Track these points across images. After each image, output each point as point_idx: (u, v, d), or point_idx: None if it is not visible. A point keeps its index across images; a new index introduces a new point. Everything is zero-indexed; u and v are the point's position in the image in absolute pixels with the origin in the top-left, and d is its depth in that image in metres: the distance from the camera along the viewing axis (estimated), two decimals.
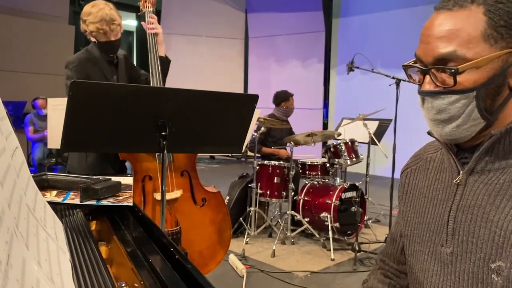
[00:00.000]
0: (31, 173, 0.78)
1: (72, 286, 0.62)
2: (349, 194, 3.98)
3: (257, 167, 4.03)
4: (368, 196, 4.57)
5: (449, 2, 0.76)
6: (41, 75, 7.35)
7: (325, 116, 9.62)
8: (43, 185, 1.14)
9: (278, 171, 4.06)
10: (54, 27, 7.68)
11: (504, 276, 0.73)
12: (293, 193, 4.01)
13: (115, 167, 2.32)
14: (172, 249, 0.79)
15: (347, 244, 3.89)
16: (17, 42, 7.19)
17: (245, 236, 3.84)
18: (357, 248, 3.42)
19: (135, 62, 10.50)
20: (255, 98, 1.85)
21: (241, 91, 9.96)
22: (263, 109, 4.20)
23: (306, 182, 4.23)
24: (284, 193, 4.03)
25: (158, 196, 2.08)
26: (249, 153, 4.76)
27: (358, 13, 8.96)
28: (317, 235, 3.96)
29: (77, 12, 8.60)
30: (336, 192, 3.91)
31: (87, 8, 2.26)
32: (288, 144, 4.11)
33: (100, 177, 1.18)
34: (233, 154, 9.94)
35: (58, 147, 1.68)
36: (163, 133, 1.71)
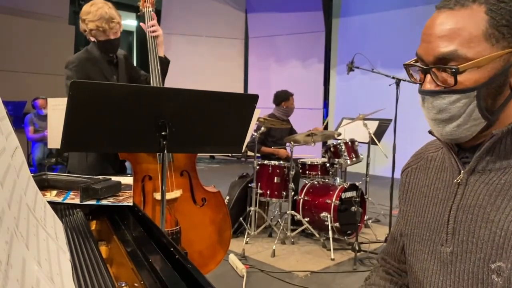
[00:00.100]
0: (31, 173, 0.78)
1: (72, 286, 0.62)
2: (349, 194, 3.98)
3: (257, 167, 4.03)
4: (368, 196, 4.57)
5: (450, 1, 0.76)
6: (41, 75, 7.35)
7: (325, 116, 9.62)
8: (43, 185, 1.14)
9: (278, 171, 4.06)
10: (54, 27, 7.68)
11: (505, 277, 0.73)
12: (293, 193, 4.01)
13: (115, 167, 2.32)
14: (172, 249, 0.79)
15: (347, 244, 3.89)
16: (17, 42, 7.19)
17: (245, 236, 3.84)
18: (357, 248, 3.42)
19: (135, 62, 10.50)
20: (255, 98, 1.85)
21: (241, 91, 9.96)
22: (263, 109, 4.20)
23: (306, 182, 4.23)
24: (284, 193, 4.03)
25: (158, 196, 2.08)
26: (249, 153, 4.76)
27: (358, 13, 8.96)
28: (317, 235, 3.96)
29: (77, 12, 8.60)
30: (336, 192, 3.91)
31: (86, 7, 2.27)
32: (288, 144, 4.12)
33: (100, 177, 1.18)
34: (233, 154, 9.94)
35: (58, 147, 1.68)
36: (163, 133, 1.72)
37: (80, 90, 1.55)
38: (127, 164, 2.27)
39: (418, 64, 0.80)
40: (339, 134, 4.35)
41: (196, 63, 9.49)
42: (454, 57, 0.74)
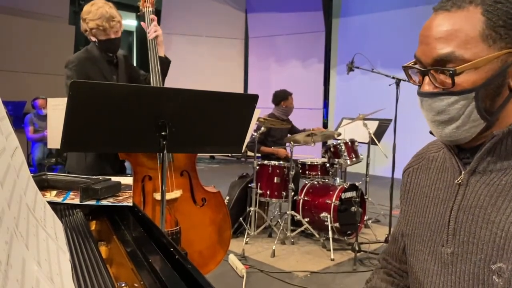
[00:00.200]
0: (31, 173, 0.78)
1: (72, 286, 0.62)
2: (349, 194, 3.98)
3: (257, 167, 4.03)
4: (368, 196, 4.57)
5: (447, 3, 0.76)
6: (41, 75, 7.35)
7: (325, 116, 9.62)
8: (43, 185, 1.14)
9: (278, 171, 4.06)
10: (54, 27, 7.68)
11: (505, 278, 0.73)
12: (293, 193, 4.01)
13: (115, 167, 2.32)
14: (172, 249, 0.79)
15: (347, 244, 3.89)
16: (17, 42, 7.19)
17: (245, 236, 3.84)
18: (357, 248, 3.42)
19: (135, 62, 10.52)
20: (255, 98, 1.85)
21: (241, 91, 9.96)
22: (263, 109, 4.20)
23: (306, 182, 4.23)
24: (284, 193, 4.03)
25: (158, 196, 2.08)
26: (249, 153, 4.76)
27: (358, 13, 8.97)
28: (317, 235, 3.96)
29: (77, 12, 8.60)
30: (336, 192, 3.91)
31: (87, 7, 2.29)
32: (287, 144, 4.11)
33: (100, 177, 1.18)
34: (233, 154, 9.94)
35: (58, 147, 1.68)
36: (163, 133, 1.72)
37: (80, 90, 1.55)
38: (127, 164, 2.27)
39: (417, 66, 0.80)
40: (339, 134, 4.34)
41: (196, 63, 9.49)
42: (452, 59, 0.74)
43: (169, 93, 1.76)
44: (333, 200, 3.86)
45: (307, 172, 4.29)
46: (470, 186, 0.81)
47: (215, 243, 2.33)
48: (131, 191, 1.18)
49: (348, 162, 4.17)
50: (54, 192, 1.12)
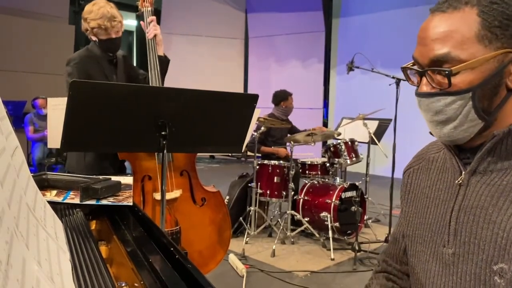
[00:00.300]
0: (31, 173, 0.78)
1: (72, 286, 0.62)
2: (349, 194, 3.98)
3: (257, 167, 4.03)
4: (368, 195, 4.57)
5: (443, 4, 0.77)
6: (41, 75, 7.35)
7: (325, 116, 9.62)
8: (43, 185, 1.14)
9: (278, 170, 4.06)
10: (54, 27, 7.68)
11: (507, 279, 0.73)
12: (293, 193, 4.01)
13: (114, 167, 2.32)
14: (172, 248, 0.79)
15: (347, 243, 3.89)
16: (17, 42, 7.19)
17: (245, 236, 3.84)
18: (357, 248, 3.42)
19: (135, 62, 10.52)
20: (255, 98, 1.85)
21: (241, 91, 9.96)
22: (263, 109, 4.20)
23: (306, 181, 4.23)
24: (284, 193, 4.03)
25: (157, 196, 2.07)
26: (249, 153, 4.76)
27: (358, 13, 8.96)
28: (317, 235, 3.96)
29: (77, 12, 8.61)
30: (336, 192, 3.91)
31: (88, 7, 2.30)
32: (288, 144, 4.11)
33: (100, 177, 1.18)
34: (233, 154, 9.94)
35: (58, 146, 1.68)
36: (163, 133, 1.72)
37: (80, 90, 1.55)
38: (127, 164, 2.27)
39: (415, 67, 0.81)
40: (339, 134, 4.34)
41: (196, 63, 9.49)
42: (448, 59, 0.74)
43: (169, 93, 1.76)
44: (333, 200, 3.86)
45: (307, 172, 4.29)
46: (470, 187, 0.81)
47: (215, 243, 2.33)
48: (131, 190, 1.18)
49: (348, 161, 4.17)
50: (54, 192, 1.12)
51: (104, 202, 1.06)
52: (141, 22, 2.37)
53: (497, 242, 0.75)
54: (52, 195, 1.09)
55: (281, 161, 4.13)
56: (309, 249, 3.86)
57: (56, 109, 2.31)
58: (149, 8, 2.36)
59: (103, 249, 0.94)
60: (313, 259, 3.60)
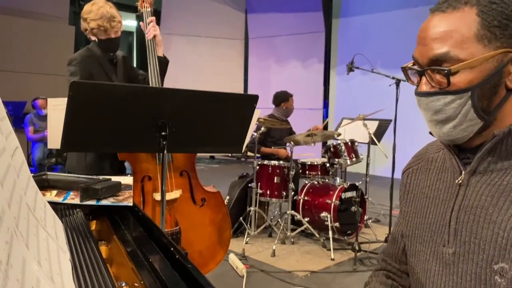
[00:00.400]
0: (31, 173, 0.78)
1: (72, 286, 0.62)
2: (349, 194, 3.97)
3: (257, 167, 4.03)
4: (368, 196, 4.57)
5: (443, 4, 0.77)
6: (41, 75, 7.35)
7: (325, 116, 9.62)
8: (43, 185, 1.14)
9: (278, 171, 4.06)
10: (54, 27, 7.68)
11: (508, 279, 0.73)
12: (293, 193, 4.01)
13: (114, 167, 2.32)
14: (172, 248, 0.79)
15: (347, 244, 3.89)
16: (17, 42, 7.19)
17: (245, 236, 3.84)
18: (357, 248, 3.42)
19: (134, 63, 10.52)
20: (255, 98, 1.85)
21: (241, 91, 9.96)
22: (263, 109, 4.20)
23: (306, 182, 4.23)
24: (284, 193, 4.03)
25: (157, 196, 2.08)
26: (249, 153, 4.76)
27: (358, 13, 8.96)
28: (317, 235, 3.96)
29: (77, 13, 8.60)
30: (336, 192, 3.91)
31: (87, 6, 2.29)
32: (288, 144, 4.11)
33: (100, 177, 1.18)
34: (233, 154, 9.94)
35: (58, 147, 1.68)
36: (163, 133, 1.72)
37: (80, 90, 1.55)
38: (127, 164, 2.27)
39: (415, 67, 0.81)
40: (339, 134, 4.35)
41: (196, 63, 9.49)
42: (447, 59, 0.75)
43: (169, 93, 1.76)
44: (333, 200, 3.86)
45: (307, 172, 4.29)
46: (470, 186, 0.81)
47: (215, 243, 2.33)
48: (131, 191, 1.18)
49: (348, 162, 4.17)
50: (54, 192, 1.12)
51: (104, 202, 1.06)
52: (141, 23, 2.37)
53: (498, 242, 0.75)
54: (52, 195, 1.09)
55: (281, 162, 4.13)
56: (309, 249, 3.86)
57: (56, 110, 2.32)
58: (149, 9, 2.36)
59: (103, 249, 0.94)
60: (313, 259, 3.60)
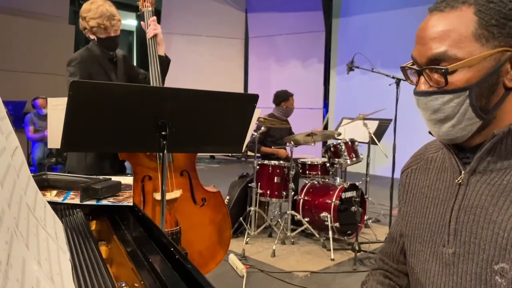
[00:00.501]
0: (31, 173, 0.78)
1: (72, 286, 0.62)
2: (349, 194, 3.97)
3: (257, 167, 4.02)
4: (368, 196, 4.57)
5: (441, 4, 0.78)
6: (41, 75, 7.35)
7: (325, 116, 9.62)
8: (43, 185, 1.14)
9: (278, 170, 4.06)
10: (54, 27, 7.68)
11: (508, 279, 0.73)
12: (293, 193, 4.01)
13: (115, 167, 2.32)
14: (172, 249, 0.79)
15: (347, 244, 3.89)
16: (17, 42, 7.19)
17: (245, 236, 3.84)
18: (357, 248, 3.42)
19: (135, 62, 10.51)
20: (255, 98, 1.85)
21: (241, 91, 9.96)
22: (263, 109, 4.20)
23: (306, 181, 4.23)
24: (284, 193, 4.03)
25: (157, 196, 2.07)
26: (249, 153, 4.76)
27: (358, 13, 8.96)
28: (317, 235, 3.95)
29: (77, 12, 8.59)
30: (336, 192, 3.91)
31: (86, 5, 2.28)
32: (288, 144, 4.11)
33: (100, 177, 1.18)
34: (233, 154, 9.93)
35: (58, 147, 1.68)
36: (163, 133, 1.72)
37: (80, 90, 1.55)
38: (127, 164, 2.27)
39: (413, 66, 0.82)
40: (339, 134, 4.34)
41: (196, 63, 9.49)
42: (445, 58, 0.75)
43: (169, 93, 1.76)
44: (333, 200, 3.86)
45: (307, 172, 4.29)
46: (470, 186, 0.81)
47: (215, 243, 2.33)
48: (131, 191, 1.18)
49: (348, 162, 4.17)
50: (54, 192, 1.12)
51: (104, 202, 1.06)
52: (142, 23, 2.36)
53: (498, 241, 0.75)
54: (52, 195, 1.09)
55: (281, 161, 4.13)
56: (309, 249, 3.86)
57: (56, 109, 2.32)
58: (150, 8, 2.36)
59: (103, 249, 0.94)
60: (313, 259, 3.60)
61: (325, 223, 3.84)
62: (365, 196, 4.31)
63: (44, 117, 6.38)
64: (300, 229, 4.03)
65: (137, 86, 2.16)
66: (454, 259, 0.82)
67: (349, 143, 4.23)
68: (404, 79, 0.87)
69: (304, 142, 4.06)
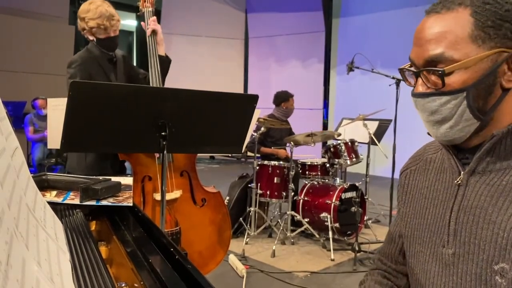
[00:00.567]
0: (31, 173, 0.78)
1: (72, 286, 0.62)
2: (349, 194, 3.97)
3: (257, 167, 4.02)
4: (368, 196, 4.57)
5: (438, 5, 0.78)
6: (41, 75, 7.35)
7: (325, 116, 9.62)
8: (43, 185, 1.14)
9: (278, 171, 4.06)
10: (54, 27, 7.68)
11: (509, 279, 0.73)
12: (293, 193, 4.01)
13: (115, 167, 2.32)
14: (172, 249, 0.79)
15: (347, 244, 3.89)
16: (17, 42, 7.19)
17: (245, 236, 3.84)
18: (357, 248, 3.42)
19: (135, 62, 10.52)
20: (255, 98, 1.85)
21: (241, 91, 9.96)
22: (263, 109, 4.20)
23: (306, 182, 4.23)
24: (284, 193, 4.03)
25: (157, 196, 2.07)
26: (249, 153, 4.76)
27: (358, 13, 8.97)
28: (317, 235, 3.95)
29: (77, 12, 8.60)
30: (336, 192, 3.91)
31: (84, 6, 2.27)
32: (288, 144, 4.11)
33: (100, 177, 1.18)
34: (233, 154, 9.93)
35: (58, 147, 1.68)
36: (163, 133, 1.72)
37: (80, 90, 1.55)
38: (127, 164, 2.27)
39: (411, 68, 0.82)
40: (339, 135, 4.34)
41: (196, 63, 9.49)
42: (442, 60, 0.75)
43: (169, 93, 1.76)
44: (333, 200, 3.86)
45: (307, 172, 4.29)
46: (470, 187, 0.81)
47: (215, 243, 2.33)
48: (131, 191, 1.18)
49: (348, 162, 4.17)
50: (54, 192, 1.12)
51: (104, 202, 1.06)
52: (142, 23, 2.36)
53: (497, 242, 0.75)
54: (52, 195, 1.09)
55: (281, 162, 4.13)
56: (309, 249, 3.86)
57: (56, 110, 2.32)
58: (150, 9, 2.36)
59: (103, 249, 0.94)
60: (313, 260, 3.60)
61: (325, 223, 3.84)
62: (365, 197, 4.31)
63: (44, 118, 6.38)
64: (300, 229, 4.03)
65: (137, 86, 2.16)
66: (454, 259, 0.82)
67: (349, 143, 4.23)
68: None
69: (304, 142, 4.06)
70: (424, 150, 0.98)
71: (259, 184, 4.02)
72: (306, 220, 3.98)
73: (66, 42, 7.65)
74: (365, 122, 4.29)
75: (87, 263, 0.72)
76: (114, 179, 1.18)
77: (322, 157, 4.48)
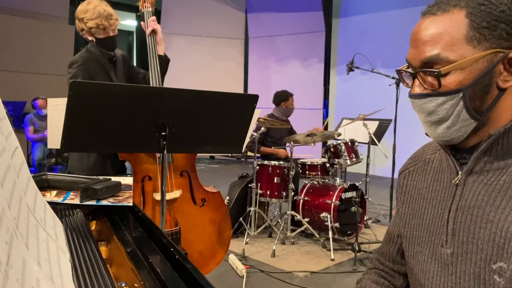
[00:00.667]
0: (31, 173, 0.78)
1: (72, 286, 0.62)
2: (349, 194, 3.97)
3: (257, 167, 4.03)
4: (368, 196, 4.57)
5: (433, 7, 0.79)
6: (41, 75, 7.35)
7: (325, 116, 9.62)
8: (43, 185, 1.14)
9: (278, 171, 4.06)
10: (54, 27, 7.68)
11: (507, 278, 0.73)
12: (293, 193, 4.01)
13: (116, 167, 2.32)
14: (172, 249, 0.79)
15: (347, 244, 3.89)
16: (17, 42, 7.19)
17: (245, 236, 3.84)
18: (357, 248, 3.42)
19: (135, 62, 10.52)
20: (255, 98, 1.85)
21: (241, 91, 9.96)
22: (263, 109, 4.20)
23: (306, 182, 4.23)
24: (284, 193, 4.03)
25: (157, 196, 2.08)
26: (249, 153, 4.76)
27: (358, 13, 8.96)
28: (317, 235, 3.96)
29: None
30: (336, 192, 3.91)
31: (82, 6, 2.26)
32: (288, 144, 4.11)
33: (100, 177, 1.18)
34: (233, 154, 9.94)
35: (58, 147, 1.68)
36: (163, 133, 1.72)
37: (80, 90, 1.55)
38: (127, 164, 2.27)
39: (408, 69, 0.83)
40: (339, 134, 4.34)
41: (196, 63, 9.49)
42: (438, 61, 0.76)
43: (169, 93, 1.76)
44: (333, 200, 3.86)
45: (307, 172, 4.29)
46: (467, 186, 0.82)
47: (215, 243, 2.33)
48: (131, 191, 1.18)
49: (348, 162, 4.17)
50: (54, 192, 1.12)
51: (104, 202, 1.06)
52: (142, 23, 2.36)
53: (496, 241, 0.75)
54: (52, 195, 1.09)
55: (281, 162, 4.13)
56: (309, 249, 3.86)
57: (56, 109, 2.32)
58: (150, 9, 2.35)
59: (103, 249, 0.94)
60: (313, 260, 3.61)
61: (325, 223, 3.84)
62: (365, 197, 4.31)
63: (44, 118, 6.38)
64: (300, 229, 4.03)
65: (137, 86, 2.16)
66: (452, 259, 0.82)
67: (349, 143, 4.22)
68: None
69: (304, 142, 4.06)
70: (423, 150, 0.99)
71: (259, 184, 4.02)
72: (306, 220, 3.98)
73: (66, 42, 7.66)
74: (365, 122, 4.29)
75: (87, 263, 0.72)
76: (114, 179, 1.18)
77: (322, 157, 4.48)
